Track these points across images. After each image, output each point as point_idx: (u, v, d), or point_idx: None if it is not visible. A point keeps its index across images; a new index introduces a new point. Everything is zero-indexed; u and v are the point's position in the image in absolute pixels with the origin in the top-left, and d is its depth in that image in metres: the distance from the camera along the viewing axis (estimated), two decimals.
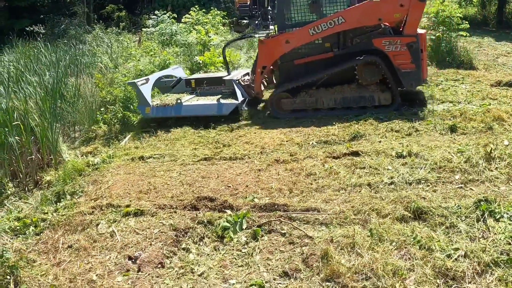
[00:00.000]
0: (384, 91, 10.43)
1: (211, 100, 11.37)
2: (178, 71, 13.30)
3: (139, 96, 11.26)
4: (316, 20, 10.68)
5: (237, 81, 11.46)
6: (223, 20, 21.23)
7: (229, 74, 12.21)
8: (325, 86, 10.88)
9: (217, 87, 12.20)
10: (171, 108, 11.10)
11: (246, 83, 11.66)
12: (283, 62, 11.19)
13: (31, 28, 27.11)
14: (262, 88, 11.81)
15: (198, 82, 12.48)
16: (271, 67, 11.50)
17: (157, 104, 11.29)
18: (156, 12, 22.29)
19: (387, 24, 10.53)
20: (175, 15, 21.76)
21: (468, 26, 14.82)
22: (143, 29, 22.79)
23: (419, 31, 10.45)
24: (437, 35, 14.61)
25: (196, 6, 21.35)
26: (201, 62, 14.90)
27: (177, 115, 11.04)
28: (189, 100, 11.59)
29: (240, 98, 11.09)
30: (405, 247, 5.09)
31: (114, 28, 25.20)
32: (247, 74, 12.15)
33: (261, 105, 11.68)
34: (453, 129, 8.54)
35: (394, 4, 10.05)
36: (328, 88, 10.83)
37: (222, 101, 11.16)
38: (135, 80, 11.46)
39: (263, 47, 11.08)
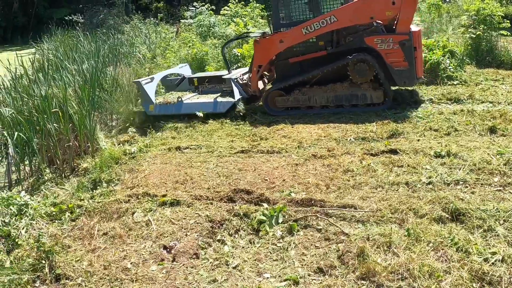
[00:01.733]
0: (376, 90, 10.43)
1: (210, 98, 11.64)
2: (185, 70, 13.59)
3: (144, 94, 11.57)
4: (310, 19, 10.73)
5: (236, 80, 11.59)
6: (261, 13, 21.19)
7: (229, 73, 12.34)
8: (318, 84, 10.96)
9: (219, 85, 12.43)
10: (172, 106, 11.45)
11: (244, 81, 11.74)
12: (279, 60, 11.30)
13: (70, 18, 27.48)
14: (262, 86, 11.94)
15: (200, 81, 12.76)
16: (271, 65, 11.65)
17: (160, 102, 11.63)
18: (195, 3, 22.38)
19: (380, 22, 10.44)
20: (213, 7, 21.83)
21: (510, 25, 14.55)
22: (181, 20, 22.90)
23: (413, 28, 10.39)
24: (477, 33, 14.37)
25: None
26: (239, 54, 14.91)
27: (178, 113, 11.30)
28: (190, 98, 11.91)
29: (237, 96, 11.29)
30: (442, 249, 5.02)
31: (152, 19, 25.36)
32: (247, 72, 12.19)
33: (260, 102, 11.75)
34: (492, 130, 8.39)
35: (385, 2, 10.03)
36: (321, 86, 10.91)
37: (219, 99, 11.42)
38: (140, 80, 11.78)
39: (258, 46, 11.21)
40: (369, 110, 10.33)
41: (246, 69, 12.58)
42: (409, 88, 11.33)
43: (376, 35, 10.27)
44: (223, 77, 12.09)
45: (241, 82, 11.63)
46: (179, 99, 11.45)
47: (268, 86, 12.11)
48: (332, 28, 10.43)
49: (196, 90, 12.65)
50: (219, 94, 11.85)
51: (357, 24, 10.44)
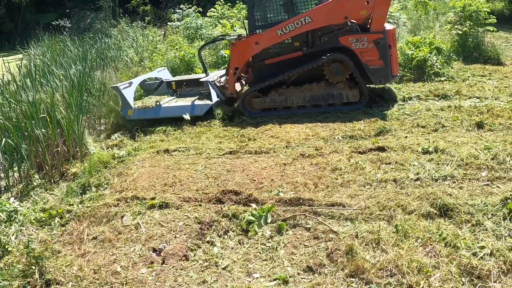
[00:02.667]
0: (352, 88, 10.51)
1: (188, 101, 11.64)
2: (164, 73, 13.52)
3: (122, 99, 11.53)
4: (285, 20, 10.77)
5: (213, 82, 11.60)
6: None
7: (207, 76, 12.35)
8: (295, 85, 11.01)
9: (197, 88, 12.47)
10: (151, 110, 11.41)
11: (221, 84, 11.75)
12: (255, 62, 11.35)
13: (57, 22, 27.40)
14: (239, 88, 11.94)
15: (178, 84, 12.77)
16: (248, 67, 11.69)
17: (139, 106, 11.57)
18: (182, 6, 22.37)
19: (355, 21, 10.46)
20: (200, 9, 21.82)
21: (495, 21, 14.59)
22: (168, 23, 22.89)
23: (388, 27, 10.47)
24: (463, 30, 14.43)
25: (222, 0, 21.37)
26: (226, 56, 14.90)
27: (156, 117, 11.30)
28: (168, 102, 11.89)
29: (215, 99, 11.34)
30: (431, 244, 5.04)
31: (139, 22, 25.31)
32: (224, 75, 12.19)
33: (237, 104, 11.81)
34: (480, 125, 8.42)
35: (359, 2, 10.10)
36: (298, 86, 10.97)
37: (196, 102, 11.43)
38: (118, 84, 11.72)
39: (234, 49, 11.23)
40: (346, 109, 10.41)
41: (224, 71, 12.57)
42: (395, 85, 11.37)
43: (350, 34, 10.30)
44: (200, 80, 12.08)
45: (218, 84, 11.63)
46: (157, 103, 11.41)
47: (246, 88, 12.13)
48: (307, 28, 10.48)
49: (174, 94, 12.63)
50: (197, 97, 11.84)
51: (331, 24, 10.47)
